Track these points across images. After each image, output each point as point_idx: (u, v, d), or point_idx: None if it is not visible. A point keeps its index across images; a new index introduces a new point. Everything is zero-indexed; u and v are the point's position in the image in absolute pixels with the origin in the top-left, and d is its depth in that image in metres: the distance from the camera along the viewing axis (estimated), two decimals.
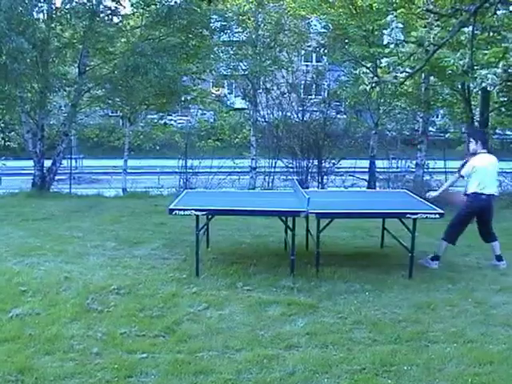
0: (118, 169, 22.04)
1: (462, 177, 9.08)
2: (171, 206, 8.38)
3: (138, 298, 7.21)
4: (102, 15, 17.44)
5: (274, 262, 8.73)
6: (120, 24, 18.61)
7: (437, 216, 8.30)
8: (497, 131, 20.90)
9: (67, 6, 16.90)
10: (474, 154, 9.10)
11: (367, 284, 7.85)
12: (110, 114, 30.28)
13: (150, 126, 24.01)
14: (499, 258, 9.06)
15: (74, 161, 25.12)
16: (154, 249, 9.73)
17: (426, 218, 8.26)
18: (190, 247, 9.10)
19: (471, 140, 9.28)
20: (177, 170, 19.21)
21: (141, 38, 18.11)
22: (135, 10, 18.83)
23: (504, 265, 8.98)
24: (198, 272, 8.14)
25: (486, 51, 9.26)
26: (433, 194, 9.54)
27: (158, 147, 27.76)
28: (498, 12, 4.56)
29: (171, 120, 25.68)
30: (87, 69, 18.00)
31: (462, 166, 9.13)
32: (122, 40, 18.99)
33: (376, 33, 16.34)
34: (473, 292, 7.71)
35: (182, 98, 20.88)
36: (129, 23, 19.41)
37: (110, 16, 17.75)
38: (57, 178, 18.68)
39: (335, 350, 5.84)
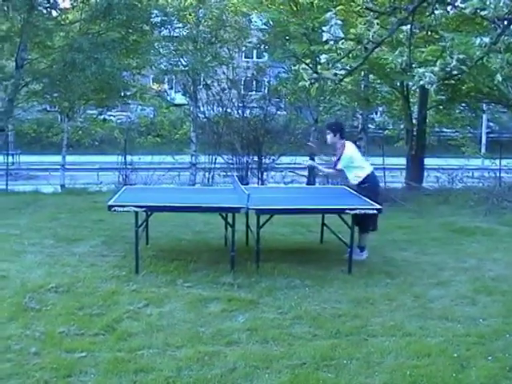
0: (56, 165, 21.70)
1: (341, 170, 9.24)
2: (110, 203, 8.28)
3: (77, 297, 7.10)
4: (40, 8, 17.14)
5: (215, 259, 8.72)
6: (59, 18, 18.33)
7: (375, 211, 8.41)
8: (435, 129, 21.36)
9: None
10: (334, 144, 9.34)
11: (307, 279, 7.90)
12: (48, 109, 29.83)
13: (88, 121, 23.75)
14: (362, 249, 9.17)
15: (10, 156, 24.66)
16: (93, 246, 9.60)
17: (365, 213, 8.35)
18: (129, 244, 9.01)
19: (328, 132, 9.31)
20: (116, 166, 19.02)
21: (80, 33, 17.86)
22: (74, 4, 18.55)
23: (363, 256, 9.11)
24: (137, 269, 8.07)
25: (423, 49, 9.41)
26: (311, 162, 9.88)
27: (96, 143, 27.50)
28: (436, 11, 4.61)
29: (110, 115, 25.45)
30: (25, 63, 17.66)
31: (337, 160, 9.22)
32: (61, 34, 18.70)
33: (316, 30, 16.40)
34: (411, 286, 7.82)
35: (122, 94, 20.68)
36: (68, 17, 19.12)
37: (49, 9, 17.48)
38: None
39: (276, 345, 5.85)
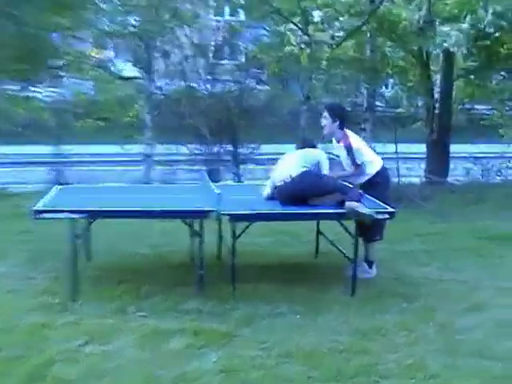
0: None
1: (361, 164, 9.09)
2: (37, 207, 8.23)
3: None
4: None
5: (177, 279, 8.72)
6: None
7: (386, 216, 8.40)
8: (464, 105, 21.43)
9: None
10: (331, 134, 9.26)
11: (298, 304, 7.90)
12: None
13: (5, 99, 23.61)
14: (371, 264, 9.26)
15: None
16: (16, 265, 9.58)
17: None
18: (64, 262, 8.96)
19: (326, 116, 9.14)
20: (46, 160, 18.97)
21: None
22: None
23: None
24: (74, 295, 8.04)
25: (448, 1, 9.42)
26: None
27: (20, 129, 27.37)
28: None
29: (36, 92, 25.33)
30: None
31: (349, 154, 9.07)
32: None
33: None
34: (434, 312, 7.84)
35: (51, 63, 20.58)
36: None
37: None
38: None
39: None
